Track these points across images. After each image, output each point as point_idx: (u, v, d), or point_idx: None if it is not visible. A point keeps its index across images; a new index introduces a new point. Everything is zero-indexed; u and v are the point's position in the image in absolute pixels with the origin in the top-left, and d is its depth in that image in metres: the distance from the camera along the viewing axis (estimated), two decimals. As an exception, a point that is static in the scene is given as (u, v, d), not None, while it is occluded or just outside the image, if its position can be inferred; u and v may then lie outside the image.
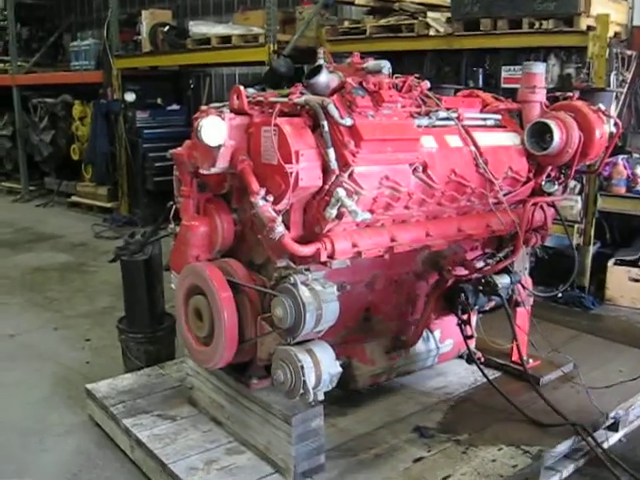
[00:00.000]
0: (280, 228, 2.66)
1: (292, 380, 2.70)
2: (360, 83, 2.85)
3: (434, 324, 3.78)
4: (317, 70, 2.99)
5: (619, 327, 5.51)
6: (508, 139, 3.48)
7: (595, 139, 3.44)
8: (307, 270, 2.70)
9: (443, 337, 3.85)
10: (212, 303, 2.94)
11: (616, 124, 3.54)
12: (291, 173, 2.64)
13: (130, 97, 9.19)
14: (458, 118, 3.30)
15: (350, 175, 2.72)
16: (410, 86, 3.14)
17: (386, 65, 3.04)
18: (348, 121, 2.70)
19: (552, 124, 3.35)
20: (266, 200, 2.71)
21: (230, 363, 3.06)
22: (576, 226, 5.98)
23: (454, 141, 3.19)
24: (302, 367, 2.65)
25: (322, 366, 2.71)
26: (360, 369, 3.43)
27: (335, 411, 3.51)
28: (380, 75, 2.98)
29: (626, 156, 5.86)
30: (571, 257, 6.49)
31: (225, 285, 2.93)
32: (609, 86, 5.53)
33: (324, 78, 2.96)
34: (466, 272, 3.51)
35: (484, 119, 3.51)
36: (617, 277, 5.97)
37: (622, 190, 5.77)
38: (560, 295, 6.16)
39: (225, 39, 7.77)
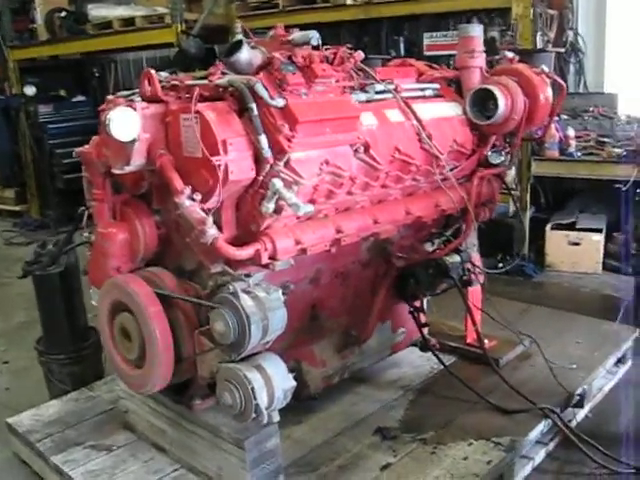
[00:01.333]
0: (212, 230, 2.32)
1: (242, 403, 2.38)
2: (289, 58, 2.51)
3: (386, 313, 3.52)
4: (237, 46, 2.63)
5: (564, 294, 5.39)
6: (449, 109, 3.22)
7: (540, 103, 3.22)
8: (247, 276, 2.37)
9: (395, 326, 3.59)
10: (140, 320, 2.58)
11: (560, 86, 3.32)
12: (219, 166, 2.30)
13: (30, 90, 8.56)
14: (396, 90, 3.01)
15: (287, 163, 2.39)
16: (342, 58, 2.82)
17: (314, 36, 2.72)
18: (280, 102, 2.37)
19: (496, 90, 3.10)
20: (193, 199, 2.36)
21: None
22: (512, 193, 5.82)
23: (394, 116, 2.91)
24: (253, 389, 2.33)
25: (274, 383, 2.40)
26: (311, 373, 3.13)
27: (288, 420, 3.20)
28: (309, 48, 2.66)
29: (556, 118, 5.70)
30: (508, 225, 6.35)
31: (153, 298, 2.57)
32: (535, 47, 5.35)
33: (246, 55, 2.62)
34: (416, 256, 3.25)
35: (422, 89, 3.23)
36: (556, 242, 5.85)
37: (555, 153, 5.62)
38: (501, 265, 6.04)
39: (128, 22, 7.26)
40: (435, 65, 3.56)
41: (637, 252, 5.70)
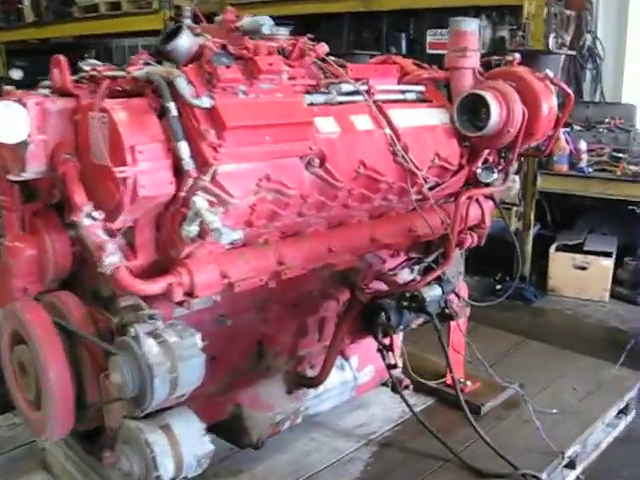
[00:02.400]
0: (112, 258, 1.86)
1: (141, 473, 1.91)
2: (224, 47, 2.04)
3: (350, 349, 3.04)
4: (176, 32, 2.17)
5: (566, 323, 4.90)
6: (434, 117, 2.73)
7: (542, 114, 2.73)
8: (152, 318, 1.90)
9: (362, 364, 3.11)
10: (35, 356, 2.12)
11: (567, 95, 2.83)
12: (125, 178, 1.83)
13: (16, 74, 8.10)
14: (368, 92, 2.53)
15: (213, 177, 1.93)
16: (302, 50, 2.35)
17: (267, 22, 2.25)
18: (205, 101, 1.90)
19: (488, 96, 2.61)
20: (93, 218, 1.89)
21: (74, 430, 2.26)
22: (514, 209, 5.33)
23: (363, 122, 2.43)
24: (154, 457, 1.87)
25: (183, 448, 1.93)
26: (254, 419, 2.66)
27: (225, 469, 2.76)
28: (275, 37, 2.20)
29: (567, 129, 5.20)
30: (508, 243, 5.85)
31: (50, 330, 2.10)
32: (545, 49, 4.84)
33: (186, 42, 2.16)
34: (387, 288, 2.77)
35: (403, 92, 2.76)
36: (560, 265, 5.35)
37: (564, 168, 5.12)
38: (499, 287, 5.55)
39: (114, 5, 6.80)
40: (426, 64, 3.07)
41: (649, 281, 5.17)
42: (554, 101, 2.78)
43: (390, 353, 2.98)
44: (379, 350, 2.97)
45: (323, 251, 2.30)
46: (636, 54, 5.89)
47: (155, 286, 1.91)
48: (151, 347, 1.86)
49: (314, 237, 2.31)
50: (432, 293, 2.87)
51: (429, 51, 5.52)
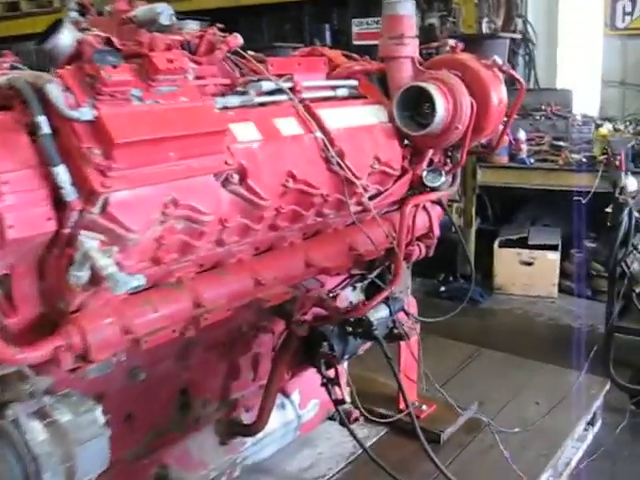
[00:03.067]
0: (-29, 321, 1.42)
1: None
2: (109, 42, 1.63)
3: (291, 384, 2.67)
4: (55, 26, 1.76)
5: (517, 324, 4.64)
6: (370, 115, 2.37)
7: (492, 106, 2.40)
8: (35, 394, 1.48)
9: (305, 399, 2.75)
10: None
11: (518, 82, 2.51)
12: (-15, 217, 1.40)
13: None
14: (293, 89, 2.15)
15: (104, 208, 1.51)
16: (211, 44, 1.96)
17: (165, 11, 1.85)
18: (86, 112, 1.48)
19: (432, 89, 2.27)
20: (-53, 267, 1.46)
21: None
22: (455, 205, 5.05)
23: (289, 126, 2.05)
24: None
25: None
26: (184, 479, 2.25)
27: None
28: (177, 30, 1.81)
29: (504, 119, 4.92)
30: (450, 241, 5.54)
31: None
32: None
33: (68, 38, 1.75)
34: (328, 314, 2.40)
35: (333, 88, 2.38)
36: (505, 261, 5.10)
37: (505, 159, 4.86)
38: (443, 289, 5.27)
39: (12, 5, 6.22)
40: (357, 56, 2.71)
41: (597, 273, 4.96)
42: (504, 91, 2.46)
43: (336, 387, 2.62)
44: (323, 384, 2.61)
45: (250, 285, 1.91)
46: (568, 38, 5.69)
47: (37, 353, 1.48)
48: (36, 432, 1.44)
49: (238, 269, 1.92)
50: (379, 315, 2.53)
51: (355, 42, 5.18)
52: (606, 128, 5.03)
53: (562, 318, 4.67)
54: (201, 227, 1.74)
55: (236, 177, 1.82)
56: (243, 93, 1.96)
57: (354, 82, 2.46)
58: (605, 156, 4.71)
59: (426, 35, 4.77)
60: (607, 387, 3.36)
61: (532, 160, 4.85)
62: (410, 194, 2.53)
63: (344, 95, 2.40)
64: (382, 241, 2.35)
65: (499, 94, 2.42)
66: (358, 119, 2.29)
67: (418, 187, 2.52)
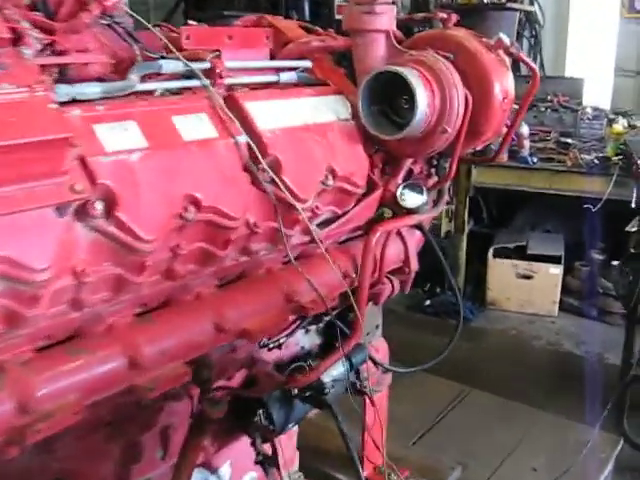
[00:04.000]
0: None
1: None
2: None
3: (219, 455, 2.04)
4: None
5: (511, 350, 4.02)
6: (326, 109, 1.72)
7: (495, 102, 1.76)
8: None
9: (238, 472, 2.11)
10: None
11: (531, 70, 1.86)
12: None
13: None
14: (212, 72, 1.50)
15: None
16: (79, 3, 1.30)
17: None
18: None
19: (411, 77, 1.61)
20: None
21: None
22: (445, 207, 4.40)
23: (196, 127, 1.39)
24: None
25: None
26: None
27: None
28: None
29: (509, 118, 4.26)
30: (438, 245, 4.88)
31: None
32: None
33: None
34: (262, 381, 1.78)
35: (277, 71, 1.72)
36: (501, 273, 4.46)
37: (504, 158, 4.15)
38: (428, 302, 4.63)
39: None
40: (319, 29, 2.05)
41: (604, 291, 4.32)
42: (511, 81, 1.81)
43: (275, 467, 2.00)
44: (259, 462, 1.99)
45: (121, 366, 1.26)
46: (580, 19, 5.02)
47: None
48: None
49: (104, 343, 1.26)
50: (333, 374, 1.92)
51: (338, 16, 4.49)
52: (621, 124, 4.38)
53: (564, 343, 4.05)
54: (33, 289, 1.09)
55: (99, 208, 1.16)
56: (116, 79, 1.30)
57: (307, 63, 1.80)
58: (620, 157, 4.06)
59: (419, 8, 4.10)
60: (619, 447, 2.75)
61: (535, 159, 4.20)
62: (380, 217, 1.88)
63: (291, 81, 1.74)
64: (336, 284, 1.71)
65: (504, 85, 1.77)
66: (307, 116, 1.64)
67: (392, 207, 1.88)
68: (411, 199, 1.85)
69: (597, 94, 4.94)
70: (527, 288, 4.36)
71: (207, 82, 1.48)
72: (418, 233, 2.03)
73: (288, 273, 1.61)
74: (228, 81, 1.55)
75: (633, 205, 3.74)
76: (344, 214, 1.75)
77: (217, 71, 1.51)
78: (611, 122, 4.59)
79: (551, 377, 3.62)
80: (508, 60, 1.83)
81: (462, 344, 4.03)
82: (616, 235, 4.41)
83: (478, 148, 1.93)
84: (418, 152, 1.79)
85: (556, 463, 2.60)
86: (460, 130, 1.72)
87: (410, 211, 1.86)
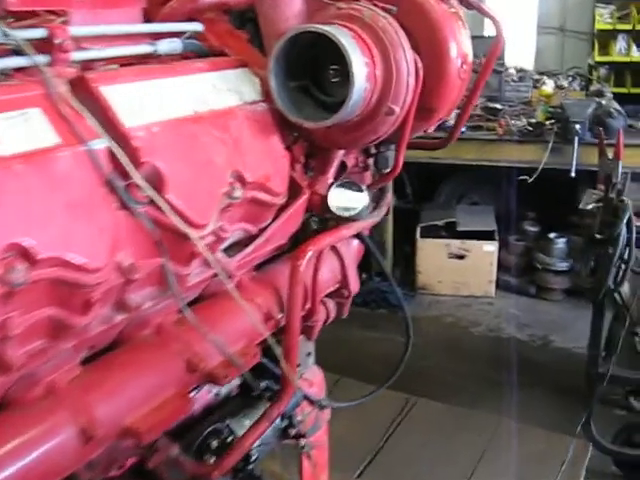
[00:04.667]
0: None
1: None
2: None
3: None
4: None
5: (450, 338, 3.67)
6: (226, 90, 1.23)
7: (451, 68, 1.31)
8: None
9: None
10: None
11: (494, 23, 1.44)
12: None
13: None
14: (49, 47, 0.99)
15: None
16: None
17: None
18: None
19: (342, 38, 1.14)
20: None
21: None
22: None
23: (22, 133, 0.88)
24: None
25: None
26: None
27: None
28: None
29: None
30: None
31: None
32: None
33: None
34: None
35: (153, 39, 1.22)
36: (431, 254, 4.10)
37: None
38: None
39: None
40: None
41: (542, 266, 4.02)
42: (468, 40, 1.38)
43: None
44: None
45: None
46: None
47: None
48: None
49: None
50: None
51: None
52: (549, 86, 4.05)
53: (505, 327, 3.72)
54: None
55: None
56: None
57: (196, 26, 1.31)
58: (552, 122, 3.74)
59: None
60: (588, 454, 2.42)
61: (463, 128, 3.82)
62: (308, 229, 1.42)
63: (174, 52, 1.24)
64: (251, 332, 1.25)
65: (462, 46, 1.33)
66: (198, 101, 1.15)
67: (321, 214, 1.42)
68: (347, 203, 1.39)
69: (519, 54, 4.61)
70: (460, 269, 4.01)
71: (41, 59, 0.97)
72: (356, 242, 1.59)
73: (187, 329, 1.13)
74: (78, 56, 1.04)
75: (573, 174, 3.41)
76: (261, 232, 1.28)
77: (57, 42, 1.00)
78: (536, 84, 4.27)
79: (496, 369, 3.28)
80: (463, 13, 1.40)
81: (396, 337, 3.66)
82: (549, 204, 4.12)
83: (429, 130, 1.48)
84: (355, 141, 1.32)
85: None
86: (409, 109, 1.27)
87: (347, 218, 1.40)
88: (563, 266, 3.93)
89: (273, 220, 1.30)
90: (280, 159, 1.26)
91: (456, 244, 4.01)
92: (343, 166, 1.47)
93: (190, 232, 1.04)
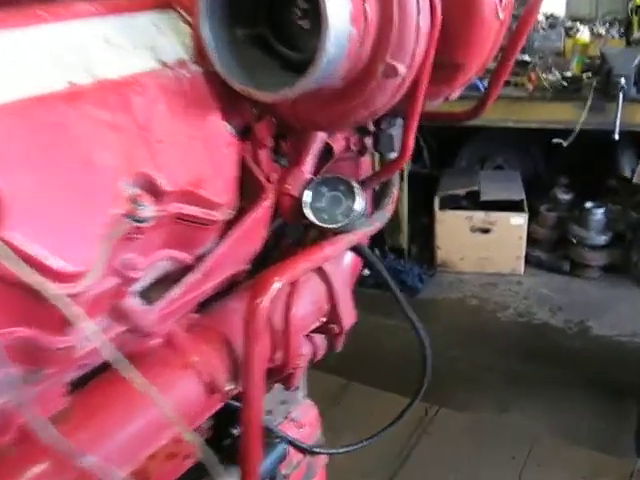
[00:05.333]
0: None
1: None
2: None
3: None
4: None
5: (475, 326, 3.24)
6: (130, 47, 0.77)
7: (485, 10, 0.85)
8: None
9: None
10: None
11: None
12: None
13: None
14: None
15: None
16: None
17: None
18: None
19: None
20: None
21: None
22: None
23: None
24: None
25: None
26: None
27: None
28: None
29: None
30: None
31: None
32: None
33: None
34: None
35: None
36: (452, 228, 3.65)
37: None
38: (367, 272, 3.79)
39: None
40: None
41: (577, 240, 3.56)
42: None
43: None
44: None
45: None
46: None
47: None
48: None
49: None
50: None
51: None
52: (585, 34, 3.54)
53: (536, 311, 3.28)
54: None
55: None
56: None
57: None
58: (590, 75, 3.25)
59: None
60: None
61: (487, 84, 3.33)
62: (275, 246, 1.00)
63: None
64: (198, 406, 0.83)
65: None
66: (77, 66, 0.70)
67: (294, 223, 0.99)
68: (332, 208, 0.96)
69: (549, -2, 4.07)
70: (485, 244, 3.56)
71: None
72: (350, 255, 1.15)
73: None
74: None
75: (616, 137, 2.93)
76: (198, 261, 0.85)
77: None
78: (569, 32, 3.76)
79: (528, 363, 2.86)
80: None
81: (408, 327, 3.25)
82: (583, 168, 3.65)
83: (453, 97, 1.04)
84: (340, 119, 0.88)
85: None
86: (422, 66, 0.83)
87: (335, 231, 0.97)
88: (601, 240, 3.47)
89: (221, 240, 0.87)
90: (222, 150, 0.82)
91: (480, 216, 3.55)
92: (328, 151, 1.03)
93: (49, 288, 0.61)
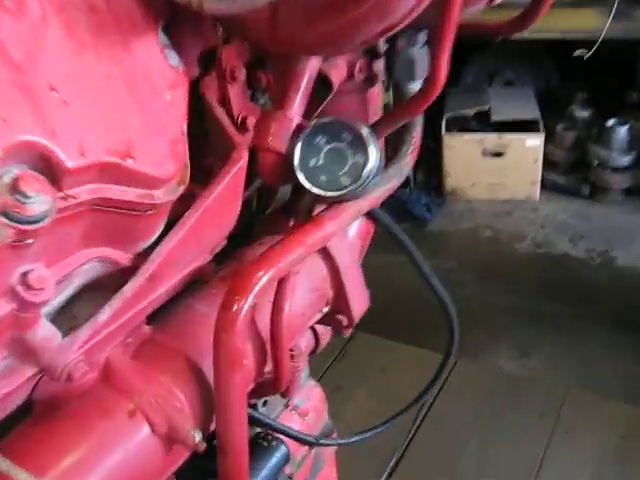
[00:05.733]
0: None
1: None
2: None
3: None
4: None
5: (489, 261, 2.99)
6: None
7: None
8: None
9: None
10: None
11: None
12: None
13: None
14: None
15: None
16: None
17: None
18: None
19: None
20: None
21: None
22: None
23: None
24: None
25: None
26: None
27: None
28: None
29: None
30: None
31: None
32: None
33: None
34: None
35: None
36: (461, 152, 3.35)
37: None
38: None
39: None
40: None
41: (598, 162, 3.27)
42: None
43: None
44: None
45: None
46: None
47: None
48: None
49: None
50: None
51: None
52: None
53: (554, 241, 3.02)
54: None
55: None
56: None
57: None
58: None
59: None
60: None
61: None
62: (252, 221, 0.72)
63: None
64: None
65: None
66: None
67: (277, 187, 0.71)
68: (333, 167, 0.68)
69: None
70: (498, 168, 3.27)
71: None
72: (357, 223, 0.88)
73: None
74: None
75: (646, 45, 2.61)
76: (142, 260, 0.58)
77: None
78: None
79: (548, 301, 2.62)
80: None
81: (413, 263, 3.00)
82: (602, 81, 3.32)
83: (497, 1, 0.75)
84: (338, 38, 0.59)
85: None
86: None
87: (334, 199, 0.69)
88: (624, 160, 3.17)
89: (174, 225, 0.60)
90: (163, 95, 0.54)
91: (491, 139, 3.24)
92: (325, 84, 0.74)
93: None
